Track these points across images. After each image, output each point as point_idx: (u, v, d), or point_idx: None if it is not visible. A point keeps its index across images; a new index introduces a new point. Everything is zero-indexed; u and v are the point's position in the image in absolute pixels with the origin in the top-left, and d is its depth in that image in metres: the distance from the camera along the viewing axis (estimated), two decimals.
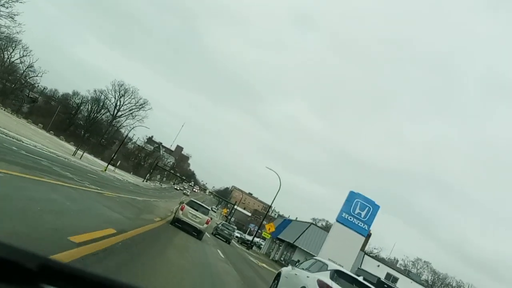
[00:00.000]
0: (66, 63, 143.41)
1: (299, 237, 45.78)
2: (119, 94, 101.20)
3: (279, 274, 11.86)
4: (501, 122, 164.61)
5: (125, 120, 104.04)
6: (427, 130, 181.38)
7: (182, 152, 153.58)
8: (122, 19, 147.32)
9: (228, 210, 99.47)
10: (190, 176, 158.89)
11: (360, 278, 9.07)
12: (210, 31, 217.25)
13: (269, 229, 47.57)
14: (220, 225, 40.21)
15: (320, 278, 8.56)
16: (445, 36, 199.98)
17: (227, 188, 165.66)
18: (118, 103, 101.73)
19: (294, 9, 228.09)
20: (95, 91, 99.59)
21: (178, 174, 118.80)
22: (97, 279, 0.96)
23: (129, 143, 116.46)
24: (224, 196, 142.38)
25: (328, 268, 9.24)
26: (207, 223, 20.65)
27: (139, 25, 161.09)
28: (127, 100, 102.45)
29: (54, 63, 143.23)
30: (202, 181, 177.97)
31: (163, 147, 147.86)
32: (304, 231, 46.24)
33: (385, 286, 30.43)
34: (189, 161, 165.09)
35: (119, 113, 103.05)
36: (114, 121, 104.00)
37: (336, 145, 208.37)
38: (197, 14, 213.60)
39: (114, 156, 68.61)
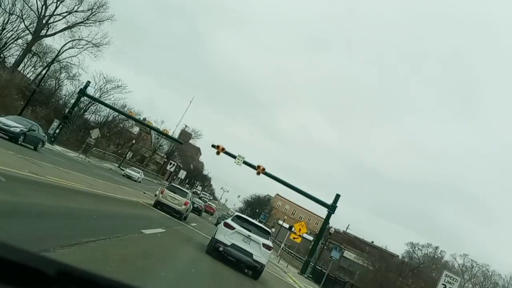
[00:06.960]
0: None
1: None
2: None
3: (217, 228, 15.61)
4: None
5: (65, 45, 49.62)
6: (448, 136, 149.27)
7: (190, 141, 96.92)
8: (129, 31, 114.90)
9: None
10: (202, 179, 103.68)
11: (255, 221, 14.28)
12: (214, 37, 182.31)
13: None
14: (221, 215, 46.05)
15: (225, 221, 13.54)
16: (464, 32, 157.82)
17: (258, 197, 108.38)
18: None
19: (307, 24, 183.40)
20: None
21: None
22: (117, 285, 0.95)
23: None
24: (260, 207, 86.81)
25: (234, 215, 14.77)
26: (185, 204, 22.21)
27: (142, 34, 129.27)
28: None
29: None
30: (221, 188, 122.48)
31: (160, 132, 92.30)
32: None
33: None
34: (201, 159, 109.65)
35: (51, 20, 48.50)
36: (36, 42, 49.49)
37: (350, 157, 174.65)
38: (201, 20, 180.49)
39: None
